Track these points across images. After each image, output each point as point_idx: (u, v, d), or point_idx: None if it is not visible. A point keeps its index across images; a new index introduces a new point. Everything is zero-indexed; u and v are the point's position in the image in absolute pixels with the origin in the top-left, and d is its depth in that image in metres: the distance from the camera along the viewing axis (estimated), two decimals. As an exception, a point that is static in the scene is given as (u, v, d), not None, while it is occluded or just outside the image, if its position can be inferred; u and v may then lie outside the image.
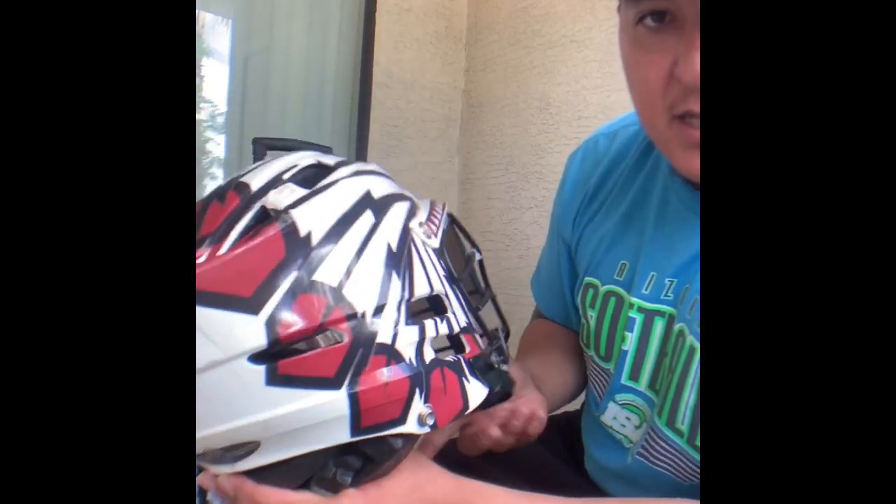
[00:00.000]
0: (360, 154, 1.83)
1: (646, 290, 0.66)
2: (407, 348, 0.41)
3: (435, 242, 0.46)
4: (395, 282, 0.42)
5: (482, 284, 0.56)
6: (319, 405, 0.39)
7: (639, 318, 0.66)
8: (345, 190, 0.44)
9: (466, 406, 0.45)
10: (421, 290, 0.43)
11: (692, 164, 0.55)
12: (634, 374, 0.67)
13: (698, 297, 0.60)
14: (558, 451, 0.82)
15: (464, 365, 0.46)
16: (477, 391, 0.46)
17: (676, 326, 0.63)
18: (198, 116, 1.72)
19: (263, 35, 1.79)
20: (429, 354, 0.43)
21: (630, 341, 0.67)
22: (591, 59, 1.65)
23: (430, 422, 0.42)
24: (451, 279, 0.47)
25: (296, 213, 0.41)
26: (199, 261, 0.39)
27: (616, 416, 0.69)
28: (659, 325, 0.65)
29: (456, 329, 0.46)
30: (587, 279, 0.73)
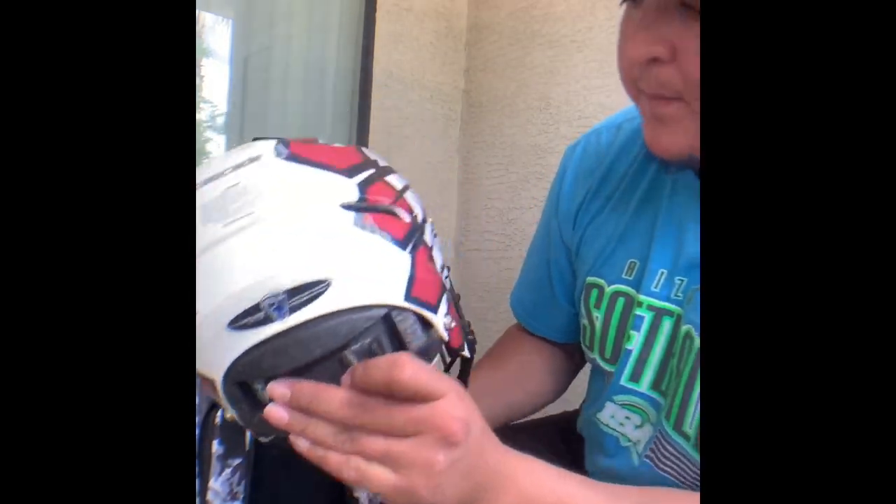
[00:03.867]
0: (360, 154, 1.83)
1: (655, 287, 0.64)
2: (438, 260, 0.50)
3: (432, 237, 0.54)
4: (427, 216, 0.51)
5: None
6: (390, 254, 0.46)
7: (647, 317, 0.64)
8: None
9: (462, 347, 0.52)
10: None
11: (653, 137, 0.57)
12: (636, 376, 0.65)
13: None
14: (558, 451, 0.82)
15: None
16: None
17: (683, 328, 0.61)
18: (198, 116, 1.72)
19: (263, 35, 1.79)
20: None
21: (636, 340, 0.65)
22: (591, 59, 1.65)
23: (451, 325, 0.49)
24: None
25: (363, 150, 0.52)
26: (302, 149, 0.48)
27: (614, 415, 0.68)
28: (667, 325, 0.63)
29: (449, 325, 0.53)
30: (591, 279, 0.70)
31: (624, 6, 0.57)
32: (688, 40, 0.50)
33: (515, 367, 0.81)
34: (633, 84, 0.57)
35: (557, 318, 0.80)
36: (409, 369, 0.41)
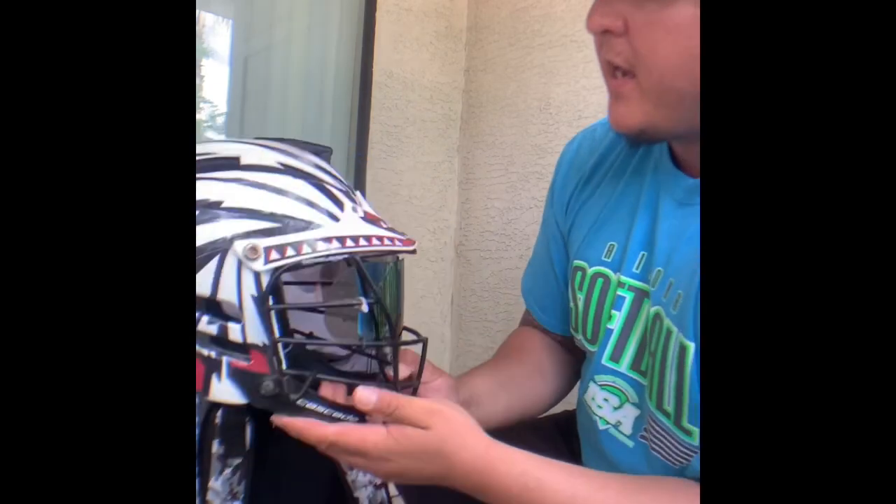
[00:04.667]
0: (360, 154, 1.83)
1: (636, 269, 0.67)
2: None
3: (258, 265, 0.53)
4: None
5: (381, 329, 0.62)
6: None
7: (628, 297, 0.67)
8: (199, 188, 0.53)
9: (206, 392, 0.54)
10: (201, 288, 0.52)
11: (610, 112, 0.63)
12: (616, 355, 0.68)
13: (674, 281, 0.61)
14: (558, 448, 0.82)
15: (224, 367, 0.54)
16: (226, 392, 0.55)
17: (653, 309, 0.63)
18: (198, 116, 1.72)
19: (263, 35, 1.79)
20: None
21: (617, 320, 0.67)
22: (591, 59, 1.65)
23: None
24: (259, 302, 0.54)
25: None
26: None
27: (594, 397, 0.70)
28: (647, 306, 0.65)
29: (237, 339, 0.54)
30: (576, 262, 0.74)
31: None
32: (638, 16, 0.54)
33: (530, 366, 0.83)
34: (602, 60, 0.61)
35: (562, 305, 0.82)
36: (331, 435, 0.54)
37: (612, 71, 0.60)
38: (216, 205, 0.53)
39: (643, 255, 0.66)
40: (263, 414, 0.57)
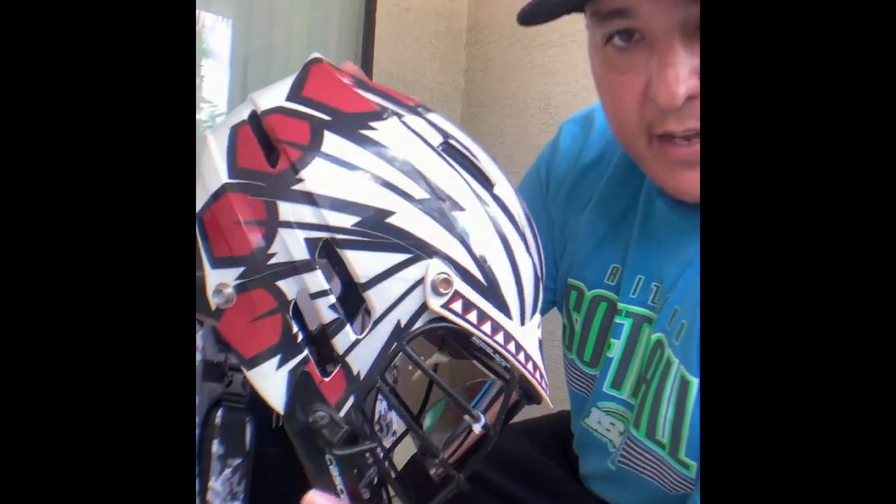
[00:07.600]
0: (360, 154, 1.83)
1: (633, 294, 0.63)
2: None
3: (433, 302, 0.42)
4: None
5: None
6: None
7: (626, 324, 0.63)
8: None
9: (251, 364, 0.44)
10: (364, 268, 0.42)
11: (679, 183, 0.53)
12: (617, 383, 0.65)
13: (679, 308, 0.58)
14: (550, 450, 0.81)
15: (297, 359, 0.43)
16: (269, 384, 0.44)
17: (654, 336, 0.60)
18: (198, 116, 1.72)
19: (263, 35, 1.79)
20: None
21: (616, 349, 0.64)
22: (591, 59, 1.65)
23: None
24: (397, 335, 0.43)
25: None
26: None
27: (601, 421, 0.67)
28: (646, 332, 0.62)
29: (339, 346, 0.43)
30: (571, 281, 0.69)
31: (602, 48, 0.53)
32: None
33: None
34: (640, 133, 0.53)
35: None
36: None
37: (673, 138, 0.51)
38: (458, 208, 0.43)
39: (640, 278, 0.63)
40: (264, 414, 0.57)
